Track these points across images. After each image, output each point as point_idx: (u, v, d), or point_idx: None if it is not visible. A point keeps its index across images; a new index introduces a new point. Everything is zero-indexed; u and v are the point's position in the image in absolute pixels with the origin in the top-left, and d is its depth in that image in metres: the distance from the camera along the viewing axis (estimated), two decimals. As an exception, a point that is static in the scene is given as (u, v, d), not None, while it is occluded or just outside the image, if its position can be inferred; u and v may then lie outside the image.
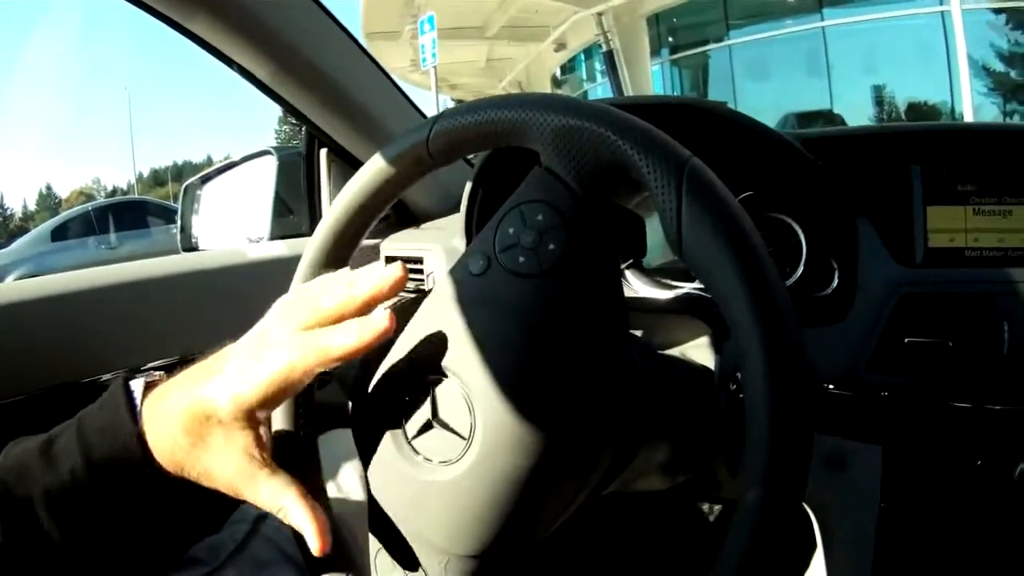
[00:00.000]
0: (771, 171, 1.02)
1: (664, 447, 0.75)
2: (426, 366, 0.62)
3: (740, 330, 0.52)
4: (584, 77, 18.88)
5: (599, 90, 17.45)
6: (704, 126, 1.00)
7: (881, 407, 0.93)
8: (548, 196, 0.61)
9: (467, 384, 0.59)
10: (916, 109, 11.69)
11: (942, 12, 10.25)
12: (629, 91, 13.53)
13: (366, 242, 0.76)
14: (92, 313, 1.15)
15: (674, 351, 0.95)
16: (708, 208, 0.54)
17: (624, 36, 13.88)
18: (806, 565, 1.14)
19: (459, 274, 0.64)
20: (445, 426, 0.60)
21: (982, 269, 0.93)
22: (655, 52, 15.13)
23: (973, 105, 9.82)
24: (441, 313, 0.62)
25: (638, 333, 1.03)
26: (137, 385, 0.62)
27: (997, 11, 10.37)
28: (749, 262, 0.52)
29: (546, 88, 20.38)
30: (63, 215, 14.44)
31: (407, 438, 0.62)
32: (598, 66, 17.04)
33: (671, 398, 0.76)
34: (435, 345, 0.62)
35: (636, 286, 1.09)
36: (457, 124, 0.66)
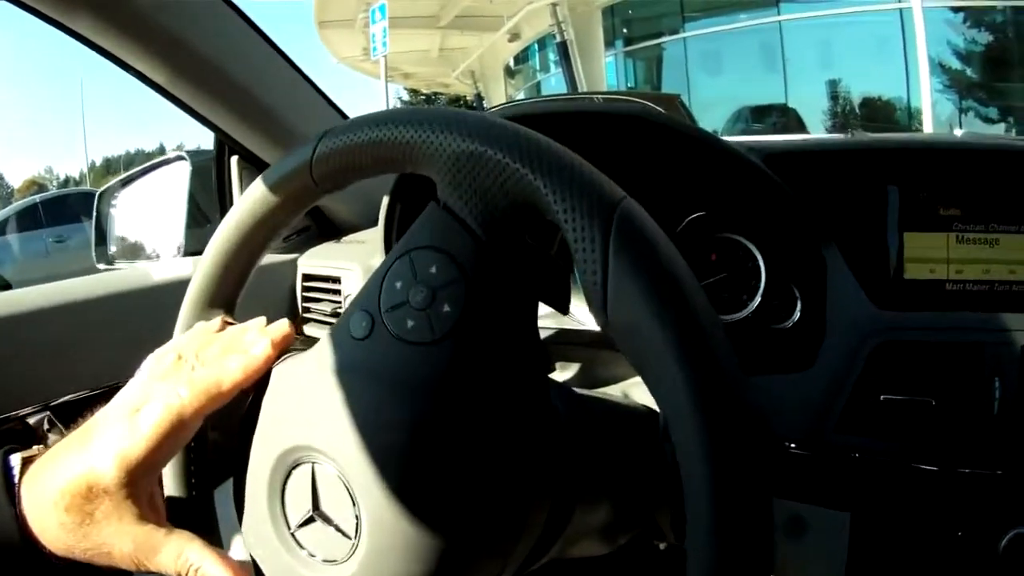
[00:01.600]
0: (726, 188, 0.92)
1: (602, 507, 0.65)
2: (299, 446, 0.52)
3: (679, 429, 0.42)
4: (537, 67, 19.05)
5: (552, 80, 17.69)
6: (650, 138, 0.89)
7: (850, 470, 0.83)
8: (444, 242, 0.51)
9: (346, 472, 0.50)
10: (870, 104, 11.86)
11: (900, 9, 10.37)
12: (582, 82, 13.74)
13: (283, 257, 0.64)
14: None
15: (614, 388, 0.85)
16: (644, 267, 0.44)
17: (578, 27, 14.18)
18: None
19: (339, 336, 0.53)
20: (328, 521, 0.51)
21: (970, 313, 0.84)
22: (609, 43, 15.30)
23: (931, 101, 9.99)
24: (318, 382, 0.52)
25: (575, 367, 0.95)
26: (16, 460, 0.56)
27: (955, 9, 10.49)
28: (693, 347, 0.42)
29: (499, 78, 20.55)
30: (11, 207, 14.31)
31: (290, 529, 0.53)
32: (552, 56, 17.10)
33: (607, 452, 0.66)
34: (309, 423, 0.52)
35: (577, 313, 1.00)
36: (342, 145, 0.55)
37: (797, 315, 0.91)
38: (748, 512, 0.41)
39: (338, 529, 0.50)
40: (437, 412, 0.49)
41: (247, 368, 0.55)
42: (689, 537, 0.42)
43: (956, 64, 10.85)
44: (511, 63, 20.22)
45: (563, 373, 0.97)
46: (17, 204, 14.48)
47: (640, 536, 0.72)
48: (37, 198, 14.02)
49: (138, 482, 0.53)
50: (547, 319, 0.98)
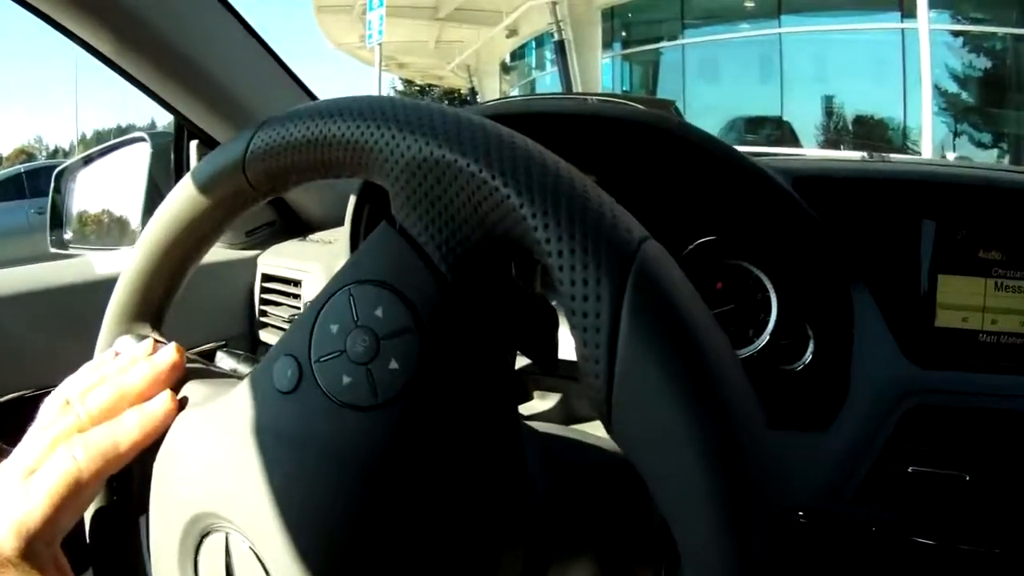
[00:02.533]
0: (743, 210, 0.82)
1: (580, 563, 0.55)
2: (212, 512, 0.44)
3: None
4: (534, 65, 19.20)
5: (548, 79, 17.74)
6: (658, 148, 0.79)
7: (868, 547, 0.74)
8: (395, 277, 0.40)
9: (262, 552, 0.41)
10: (864, 123, 11.89)
11: (903, 29, 10.43)
12: (578, 82, 13.80)
13: (243, 254, 0.54)
14: None
15: (597, 425, 0.74)
16: (668, 352, 0.32)
17: (577, 27, 14.31)
18: None
19: (259, 385, 0.43)
20: None
21: (1010, 376, 0.75)
22: (607, 45, 15.38)
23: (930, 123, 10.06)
24: (232, 438, 0.43)
25: (555, 398, 0.89)
26: None
27: (956, 33, 10.56)
28: (731, 485, 0.31)
29: (495, 73, 20.70)
30: None
31: None
32: (548, 55, 17.20)
33: (584, 507, 0.56)
34: (222, 486, 0.43)
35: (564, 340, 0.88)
36: (279, 140, 0.44)
37: (808, 357, 0.81)
38: None
39: None
40: (374, 494, 0.39)
41: (144, 426, 0.49)
42: None
43: (953, 87, 10.98)
44: (507, 59, 20.37)
45: (542, 403, 0.90)
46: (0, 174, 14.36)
47: None
48: (21, 167, 13.88)
49: (40, 552, 0.48)
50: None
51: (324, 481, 0.39)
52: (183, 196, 0.52)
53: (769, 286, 0.84)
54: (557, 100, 1.01)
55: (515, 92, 18.74)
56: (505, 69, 20.52)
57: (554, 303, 0.58)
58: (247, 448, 0.42)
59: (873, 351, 0.76)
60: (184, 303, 0.61)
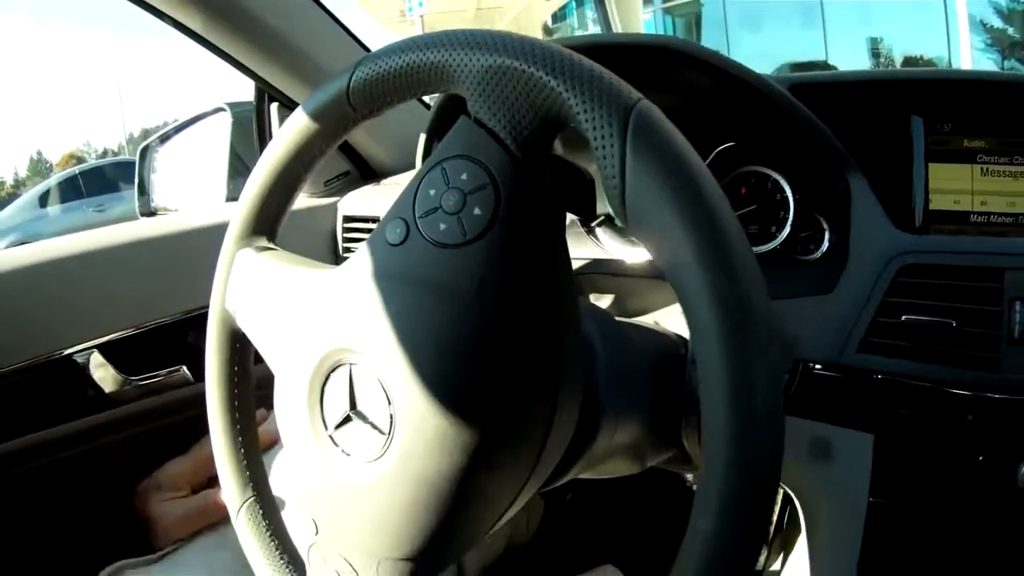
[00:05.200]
0: (755, 120, 0.93)
1: (629, 428, 0.67)
2: (340, 348, 0.55)
3: (693, 311, 0.45)
4: (575, 26, 18.69)
5: None
6: (677, 70, 0.90)
7: (873, 392, 0.84)
8: (474, 151, 0.53)
9: (381, 371, 0.53)
10: (912, 63, 11.55)
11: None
12: None
13: (324, 201, 0.68)
14: (21, 294, 1.09)
15: (647, 318, 0.88)
16: (657, 157, 0.46)
17: None
18: (790, 546, 1.06)
19: (375, 243, 0.56)
20: (364, 419, 0.54)
21: (992, 239, 0.85)
22: (648, 0, 14.90)
23: (972, 60, 9.78)
24: (355, 288, 0.56)
25: (607, 299, 0.97)
26: None
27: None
28: (705, 224, 0.44)
29: (537, 37, 20.40)
30: (51, 179, 14.44)
31: (327, 429, 0.57)
32: (590, 15, 16.77)
33: (635, 375, 0.68)
34: (349, 325, 0.55)
35: (608, 246, 1.02)
36: (377, 71, 0.57)
37: (826, 245, 0.92)
38: (754, 356, 0.43)
39: (374, 426, 0.54)
40: (469, 310, 0.51)
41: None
42: (704, 433, 0.44)
43: (997, 23, 10.64)
44: (548, 22, 19.91)
45: (596, 303, 0.99)
46: (57, 176, 14.69)
47: (670, 462, 0.74)
48: (76, 170, 14.22)
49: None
50: (580, 250, 1.00)
51: (430, 308, 0.51)
52: (296, 125, 0.64)
53: (786, 186, 0.94)
54: (593, 37, 1.12)
55: (559, 55, 18.54)
56: (547, 32, 20.00)
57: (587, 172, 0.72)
58: (369, 292, 0.54)
59: (869, 226, 0.85)
60: (279, 244, 0.71)
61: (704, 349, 0.44)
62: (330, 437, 0.56)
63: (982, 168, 0.86)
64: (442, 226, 0.52)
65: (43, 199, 12.74)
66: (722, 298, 0.43)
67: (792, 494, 0.93)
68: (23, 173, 60.35)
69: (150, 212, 1.90)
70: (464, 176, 0.52)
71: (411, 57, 0.55)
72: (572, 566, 1.08)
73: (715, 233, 0.44)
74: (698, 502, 0.44)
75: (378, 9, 19.71)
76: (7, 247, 10.56)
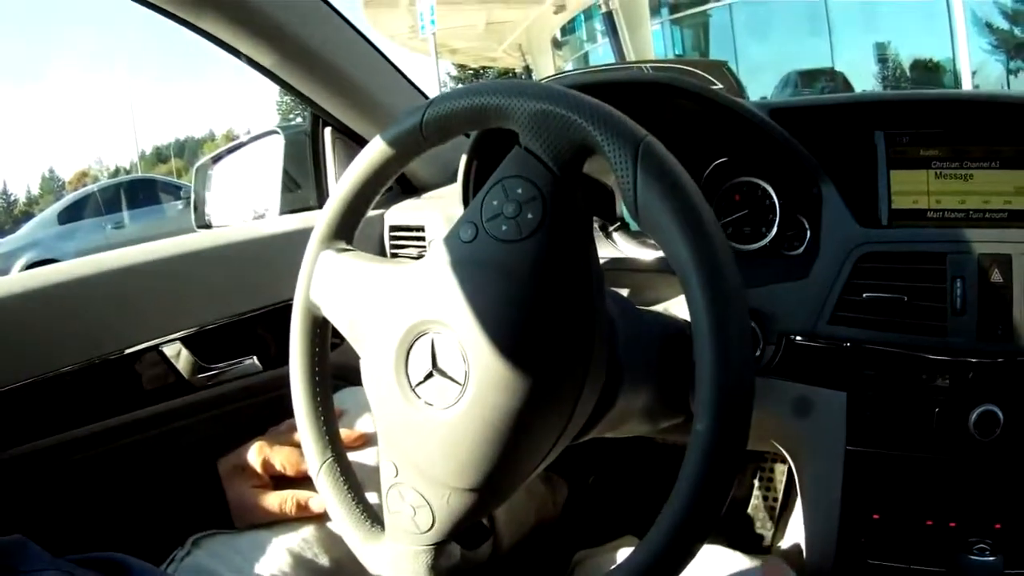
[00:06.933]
0: (742, 138, 1.09)
1: (643, 394, 0.81)
2: (426, 320, 0.70)
3: (685, 277, 0.62)
4: (584, 38, 18.50)
5: (600, 51, 17.21)
6: (677, 101, 1.07)
7: (844, 357, 0.99)
8: (526, 172, 0.68)
9: (462, 335, 0.67)
10: (919, 67, 11.60)
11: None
12: (630, 52, 13.33)
13: (371, 212, 0.84)
14: (117, 292, 1.22)
15: (658, 307, 1.01)
16: (659, 178, 0.63)
17: None
18: (790, 507, 1.20)
19: (451, 241, 0.71)
20: (444, 374, 0.68)
21: (937, 229, 0.99)
22: (655, 11, 14.96)
23: (975, 63, 9.73)
24: (437, 274, 0.70)
25: (624, 291, 1.10)
26: None
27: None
28: (692, 221, 0.62)
29: (547, 50, 20.11)
30: (69, 197, 14.37)
31: (411, 386, 0.70)
32: (598, 27, 16.66)
33: (648, 348, 0.82)
34: (433, 302, 0.70)
35: (623, 247, 1.17)
36: (448, 109, 0.73)
37: (807, 241, 1.09)
38: (735, 325, 0.61)
39: (452, 379, 0.68)
40: (526, 288, 0.66)
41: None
42: (696, 358, 0.61)
43: (1003, 24, 10.59)
44: (558, 35, 19.67)
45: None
46: (75, 194, 14.59)
47: (680, 425, 0.86)
48: (94, 187, 14.19)
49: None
50: (600, 251, 1.12)
51: (499, 286, 0.67)
52: (376, 148, 0.79)
53: (772, 193, 1.10)
54: (609, 72, 1.25)
55: (569, 67, 17.97)
56: (557, 45, 19.70)
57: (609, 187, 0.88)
58: (449, 277, 0.69)
59: (836, 223, 1.00)
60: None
61: (695, 308, 0.61)
62: (414, 391, 0.70)
63: (936, 172, 1.00)
64: (504, 227, 0.68)
65: (61, 216, 12.69)
66: (707, 277, 0.61)
67: (782, 448, 1.08)
68: (35, 191, 60.15)
69: (206, 224, 2.01)
70: (519, 190, 0.68)
71: (478, 100, 0.71)
72: (594, 538, 1.20)
73: (702, 233, 0.61)
74: (695, 414, 0.60)
75: (387, 25, 19.52)
76: (28, 263, 10.47)
